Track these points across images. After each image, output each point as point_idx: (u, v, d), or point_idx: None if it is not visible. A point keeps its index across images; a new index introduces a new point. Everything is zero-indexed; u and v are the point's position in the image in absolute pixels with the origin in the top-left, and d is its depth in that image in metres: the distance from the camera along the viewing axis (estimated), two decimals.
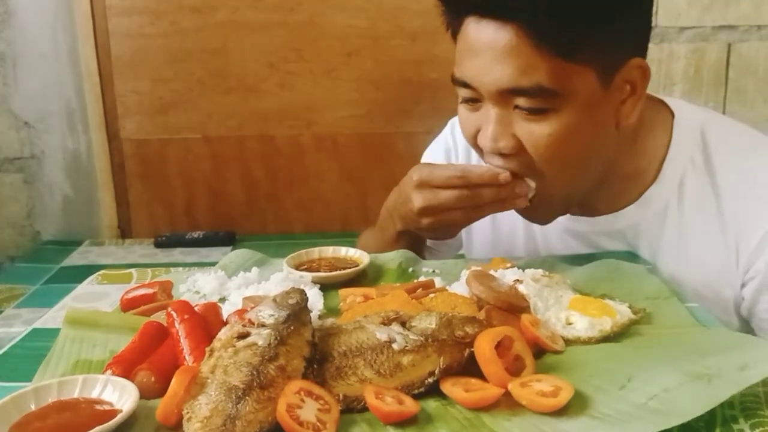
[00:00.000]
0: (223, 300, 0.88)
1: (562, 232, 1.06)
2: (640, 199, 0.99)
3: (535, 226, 1.07)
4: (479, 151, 0.95)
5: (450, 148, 1.19)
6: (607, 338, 0.74)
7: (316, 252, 0.99)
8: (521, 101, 0.85)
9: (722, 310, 0.98)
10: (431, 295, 0.82)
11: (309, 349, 0.65)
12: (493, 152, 0.89)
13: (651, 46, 0.92)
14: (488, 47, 0.84)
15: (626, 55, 0.88)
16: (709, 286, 0.97)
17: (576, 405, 0.61)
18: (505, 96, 0.86)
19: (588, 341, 0.73)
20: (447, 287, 0.86)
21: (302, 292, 0.72)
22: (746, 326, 1.00)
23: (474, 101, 0.90)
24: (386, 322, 0.69)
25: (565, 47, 0.82)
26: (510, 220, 1.09)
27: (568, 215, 1.02)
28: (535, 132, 0.86)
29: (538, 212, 0.96)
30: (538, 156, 0.88)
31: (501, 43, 0.83)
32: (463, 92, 0.91)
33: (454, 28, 0.91)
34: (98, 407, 0.62)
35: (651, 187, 0.98)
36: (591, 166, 0.93)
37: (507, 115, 0.87)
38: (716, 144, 0.97)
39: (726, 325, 0.97)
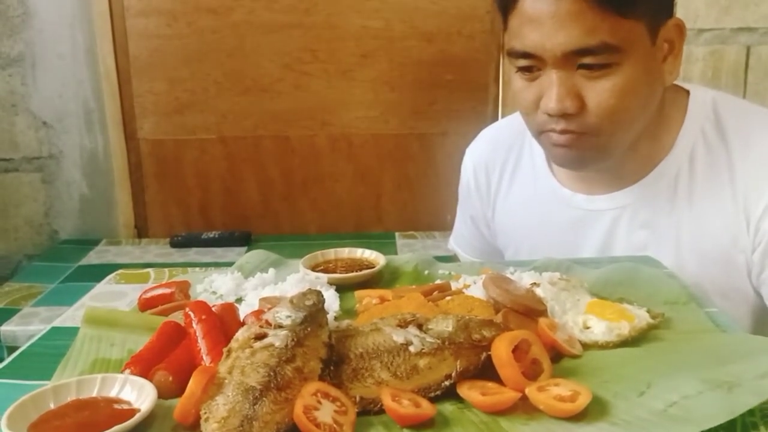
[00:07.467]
0: (239, 300, 0.88)
1: (575, 214, 1.10)
2: (652, 172, 1.03)
3: (547, 214, 1.13)
4: (535, 124, 0.99)
5: (469, 180, 1.26)
6: (625, 343, 0.73)
7: (332, 253, 0.99)
8: (587, 60, 0.91)
9: (738, 278, 1.00)
10: (447, 298, 0.82)
11: (326, 351, 0.65)
12: (558, 113, 0.93)
13: None
14: (550, 15, 0.90)
15: (666, 13, 0.95)
16: (725, 253, 0.99)
17: (594, 410, 0.60)
18: (570, 58, 0.91)
19: (606, 345, 0.73)
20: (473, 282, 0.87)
21: (319, 294, 0.71)
22: (760, 298, 1.01)
23: (532, 70, 0.95)
24: (403, 325, 0.69)
25: (624, 4, 0.88)
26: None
27: (584, 195, 1.09)
28: (599, 87, 0.92)
29: (583, 160, 1.00)
30: (600, 111, 0.93)
31: (563, 9, 0.89)
32: (522, 63, 0.95)
33: (507, 4, 0.95)
34: (117, 406, 0.63)
35: (663, 160, 1.03)
36: (640, 121, 0.98)
37: (569, 77, 0.92)
38: (729, 114, 1.02)
39: (742, 295, 1.01)
